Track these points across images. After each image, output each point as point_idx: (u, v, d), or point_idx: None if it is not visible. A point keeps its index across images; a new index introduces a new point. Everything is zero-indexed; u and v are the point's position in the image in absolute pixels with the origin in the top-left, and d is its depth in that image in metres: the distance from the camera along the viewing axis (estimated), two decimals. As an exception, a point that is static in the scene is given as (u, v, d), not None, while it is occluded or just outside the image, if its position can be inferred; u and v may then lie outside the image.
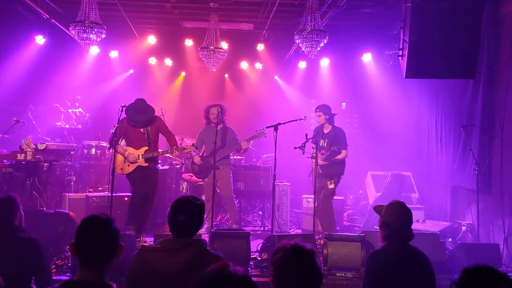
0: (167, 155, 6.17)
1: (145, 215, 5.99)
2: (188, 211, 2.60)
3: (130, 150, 5.92)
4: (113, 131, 5.51)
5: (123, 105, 5.65)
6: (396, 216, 3.14)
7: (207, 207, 6.76)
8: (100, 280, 2.11)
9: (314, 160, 6.07)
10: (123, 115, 5.73)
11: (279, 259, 1.99)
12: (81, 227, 2.16)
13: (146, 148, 5.94)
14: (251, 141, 7.09)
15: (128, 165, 5.90)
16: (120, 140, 5.98)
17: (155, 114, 6.13)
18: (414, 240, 5.15)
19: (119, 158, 5.89)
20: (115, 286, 2.14)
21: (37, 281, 3.23)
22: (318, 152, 6.29)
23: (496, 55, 6.04)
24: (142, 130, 5.96)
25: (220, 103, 6.99)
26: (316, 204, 6.38)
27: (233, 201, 6.87)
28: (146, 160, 5.92)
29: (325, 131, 6.47)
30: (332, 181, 6.36)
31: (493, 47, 6.02)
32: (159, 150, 6.09)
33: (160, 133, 6.14)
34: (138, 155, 5.89)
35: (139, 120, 5.91)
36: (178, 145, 6.22)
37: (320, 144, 6.41)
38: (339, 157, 6.36)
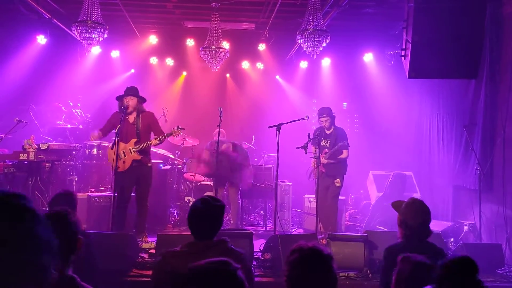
0: (165, 151, 5.99)
1: (141, 216, 5.89)
2: (210, 214, 2.58)
3: (121, 144, 5.73)
4: (116, 131, 5.52)
5: (123, 106, 5.67)
6: (415, 216, 3.16)
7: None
8: (62, 273, 2.12)
9: (315, 160, 6.08)
10: (116, 109, 5.78)
11: (296, 259, 1.96)
12: None
13: (135, 139, 5.79)
14: (246, 141, 7.15)
15: (124, 162, 5.75)
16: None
17: (154, 115, 6.07)
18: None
19: (113, 155, 5.78)
20: (78, 279, 2.14)
21: None
22: (320, 153, 6.31)
23: (499, 55, 6.04)
24: (131, 120, 5.82)
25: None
26: (318, 204, 6.40)
27: (238, 204, 6.87)
28: (139, 153, 5.76)
29: (327, 131, 6.51)
30: (339, 179, 6.39)
31: (496, 46, 6.02)
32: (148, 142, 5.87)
33: (151, 131, 5.98)
34: (130, 149, 5.73)
35: (128, 92, 5.84)
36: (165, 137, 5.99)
37: (322, 144, 6.44)
38: (342, 156, 6.39)
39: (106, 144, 7.63)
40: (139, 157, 5.79)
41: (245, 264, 2.53)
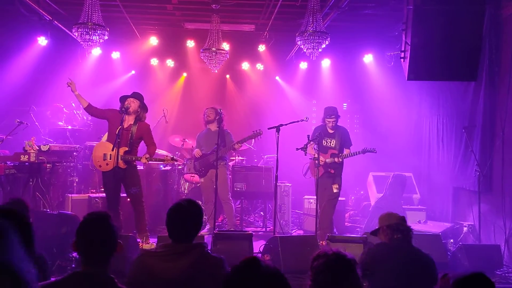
0: (166, 153, 6.00)
1: (138, 216, 5.87)
2: (186, 217, 2.60)
3: (109, 145, 5.71)
4: (117, 132, 5.55)
5: (124, 107, 5.70)
6: (391, 217, 3.48)
7: (208, 209, 6.84)
8: (103, 272, 2.19)
9: (316, 162, 6.09)
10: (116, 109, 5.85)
11: (321, 265, 2.00)
12: (81, 225, 2.23)
13: (126, 149, 5.74)
14: (246, 142, 7.19)
15: (107, 164, 5.73)
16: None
17: (150, 128, 6.01)
18: (416, 241, 5.20)
19: (99, 154, 5.80)
20: (115, 280, 2.20)
21: None
22: (324, 152, 6.32)
23: (498, 57, 6.07)
24: (126, 125, 5.76)
25: (216, 107, 7.03)
26: (317, 205, 6.41)
27: (229, 203, 6.87)
28: (125, 162, 5.73)
29: (330, 131, 6.48)
30: (337, 185, 6.36)
31: (495, 49, 6.04)
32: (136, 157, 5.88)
33: (143, 141, 5.95)
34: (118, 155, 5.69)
35: (132, 94, 5.86)
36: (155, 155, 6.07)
37: (324, 144, 6.41)
38: (346, 152, 6.42)
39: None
40: (123, 166, 5.74)
41: (224, 270, 2.55)
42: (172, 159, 5.99)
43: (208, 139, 6.91)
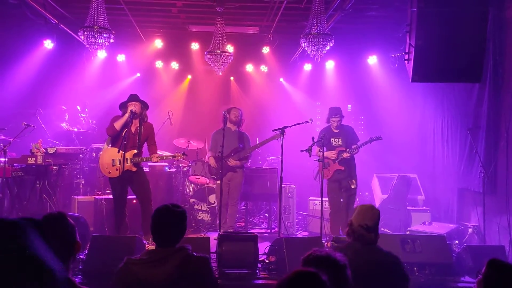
0: (152, 160, 5.98)
1: (145, 218, 5.85)
2: (169, 221, 2.60)
3: (116, 150, 5.74)
4: (123, 134, 5.59)
5: (131, 111, 5.74)
6: (359, 218, 3.17)
7: (222, 212, 6.87)
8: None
9: (321, 163, 6.14)
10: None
11: (312, 266, 1.96)
12: None
13: (135, 151, 5.80)
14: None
15: (116, 169, 5.74)
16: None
17: (153, 127, 6.10)
18: (422, 242, 5.19)
19: (107, 161, 5.84)
20: (75, 282, 2.14)
21: None
22: (328, 151, 6.44)
23: (502, 59, 6.06)
24: (133, 129, 5.83)
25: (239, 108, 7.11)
26: (330, 206, 6.54)
27: (236, 207, 6.91)
28: (134, 165, 5.78)
29: (335, 130, 6.63)
30: (353, 180, 6.51)
31: (499, 50, 6.04)
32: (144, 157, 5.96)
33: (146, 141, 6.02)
34: (127, 159, 5.73)
35: (131, 98, 5.90)
36: (160, 153, 6.13)
37: (333, 143, 6.58)
38: (353, 147, 6.57)
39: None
40: (134, 169, 5.80)
41: (208, 268, 2.59)
42: (183, 153, 6.07)
43: (228, 139, 6.74)
